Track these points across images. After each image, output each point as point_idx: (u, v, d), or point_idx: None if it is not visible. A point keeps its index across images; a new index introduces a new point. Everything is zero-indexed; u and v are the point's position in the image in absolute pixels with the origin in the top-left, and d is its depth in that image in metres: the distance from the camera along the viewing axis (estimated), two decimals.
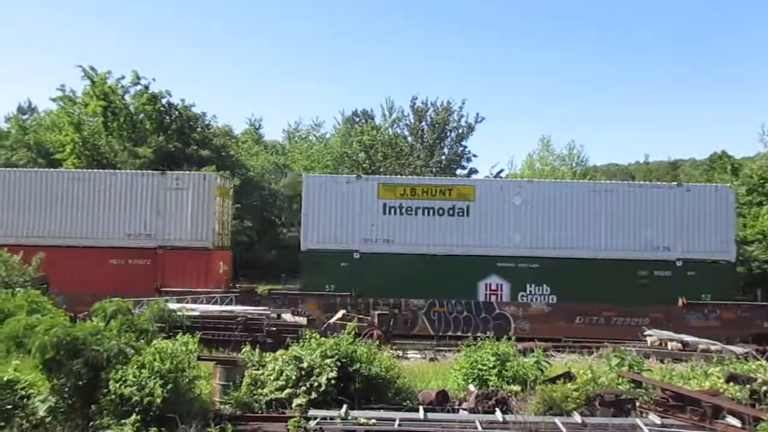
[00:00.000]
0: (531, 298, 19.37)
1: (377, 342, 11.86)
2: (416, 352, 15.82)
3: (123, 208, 19.59)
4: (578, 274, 19.16)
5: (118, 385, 8.09)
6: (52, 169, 23.60)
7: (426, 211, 19.47)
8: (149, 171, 21.71)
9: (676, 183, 21.49)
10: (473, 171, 39.28)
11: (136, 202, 19.59)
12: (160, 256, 19.31)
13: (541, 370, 10.80)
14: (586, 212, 19.57)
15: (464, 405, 9.51)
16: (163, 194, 19.57)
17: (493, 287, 19.35)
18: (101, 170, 23.27)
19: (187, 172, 23.11)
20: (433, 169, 36.55)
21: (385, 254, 19.19)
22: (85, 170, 23.17)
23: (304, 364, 9.57)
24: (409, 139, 39.76)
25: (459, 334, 18.21)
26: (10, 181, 20.02)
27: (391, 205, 19.44)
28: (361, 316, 16.20)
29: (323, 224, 19.33)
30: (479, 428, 8.34)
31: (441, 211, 19.47)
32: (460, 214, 19.46)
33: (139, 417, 7.77)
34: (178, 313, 14.10)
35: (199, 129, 37.94)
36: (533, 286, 19.41)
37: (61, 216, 19.65)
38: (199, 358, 9.82)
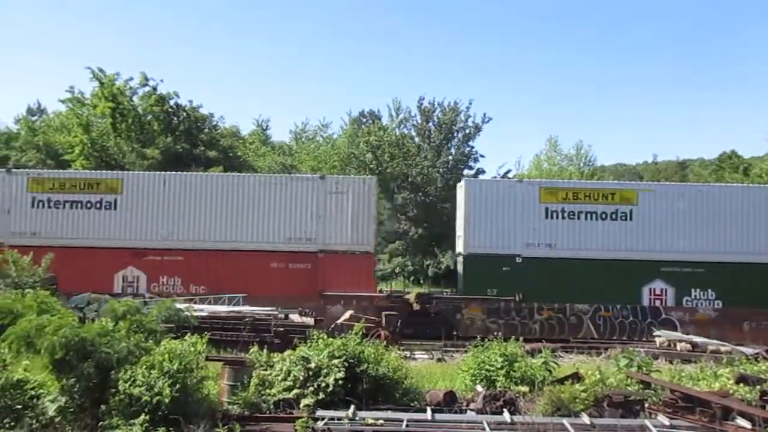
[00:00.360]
0: (696, 303, 19.16)
1: (385, 342, 11.87)
2: (424, 352, 15.81)
3: (284, 212, 19.46)
4: (745, 279, 18.91)
5: (127, 385, 8.13)
6: (213, 173, 23.36)
7: (588, 215, 19.35)
8: (310, 175, 21.55)
9: None
10: (480, 171, 39.18)
11: (296, 207, 19.46)
12: (321, 260, 19.18)
13: (549, 371, 10.77)
14: (751, 216, 19.34)
15: (472, 406, 9.49)
16: (324, 198, 19.42)
17: (657, 292, 19.18)
18: (264, 174, 23.71)
19: (347, 176, 23.04)
20: (440, 170, 36.49)
21: (548, 258, 19.12)
22: (246, 174, 23.14)
23: (312, 365, 9.58)
24: (416, 139, 39.70)
25: (624, 339, 18.09)
26: (174, 185, 19.74)
27: (553, 209, 19.38)
28: (368, 317, 16.20)
29: (485, 228, 19.32)
30: (487, 429, 8.32)
31: (604, 215, 19.33)
32: (623, 218, 19.33)
33: (147, 417, 7.80)
34: (186, 313, 14.22)
35: (206, 130, 38.10)
36: (698, 290, 19.21)
37: (224, 220, 19.47)
38: (207, 359, 9.85)
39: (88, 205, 19.52)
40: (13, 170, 20.50)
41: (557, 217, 19.30)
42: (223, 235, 19.40)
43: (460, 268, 20.40)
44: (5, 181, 19.62)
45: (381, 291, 21.20)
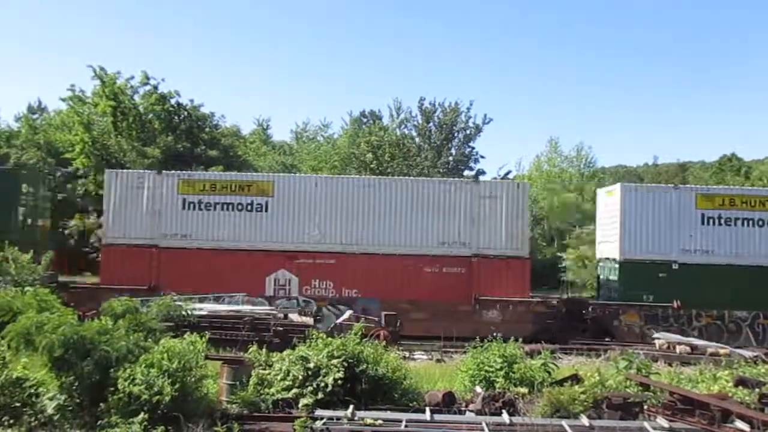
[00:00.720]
0: None
1: (384, 342, 11.86)
2: (423, 353, 15.80)
3: (437, 215, 19.24)
4: None
5: (126, 383, 8.13)
6: (368, 177, 23.06)
7: (746, 221, 19.23)
8: (461, 179, 21.34)
9: None
10: (481, 172, 39.19)
11: (449, 210, 19.25)
12: (475, 265, 18.98)
13: (549, 372, 10.75)
14: None
15: (471, 407, 9.49)
16: (477, 202, 19.20)
17: None
18: (417, 178, 23.71)
19: (501, 180, 22.67)
20: (441, 170, 36.49)
21: (705, 265, 18.99)
22: (400, 178, 22.98)
23: (311, 364, 9.58)
24: (417, 139, 39.71)
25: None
26: (325, 187, 19.54)
27: (710, 216, 19.26)
28: (368, 317, 16.19)
29: (641, 234, 19.24)
30: (486, 430, 8.32)
31: (761, 222, 19.20)
32: None
33: (146, 416, 7.80)
34: (184, 312, 14.24)
35: (207, 129, 38.11)
36: None
37: (376, 224, 19.28)
38: (206, 358, 9.84)
39: (239, 207, 19.27)
40: (164, 172, 20.20)
41: (714, 224, 19.24)
42: (375, 238, 19.18)
43: (605, 274, 20.42)
44: (156, 183, 19.32)
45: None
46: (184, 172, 21.50)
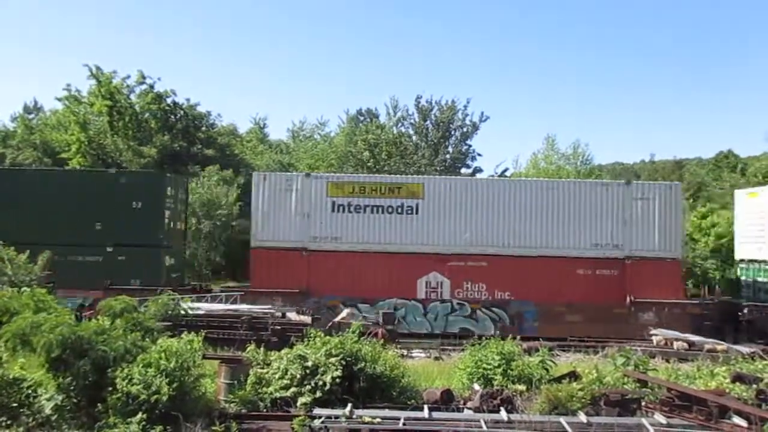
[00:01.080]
0: None
1: (382, 341, 11.86)
2: (421, 351, 15.80)
3: (590, 217, 19.10)
4: None
5: (124, 383, 8.12)
6: (521, 179, 22.64)
7: None
8: (615, 181, 21.25)
9: None
10: (478, 170, 39.19)
11: (602, 212, 19.12)
12: (629, 267, 18.83)
13: (546, 370, 10.77)
14: None
15: (469, 404, 9.50)
16: (629, 204, 19.08)
17: None
18: (568, 180, 23.57)
19: (653, 182, 22.80)
20: (438, 168, 36.47)
21: None
22: (550, 180, 22.88)
23: (309, 363, 9.58)
24: (414, 137, 39.67)
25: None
26: (476, 190, 19.37)
27: None
28: (365, 315, 16.19)
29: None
30: (484, 427, 8.33)
31: None
32: None
33: (145, 416, 7.79)
34: (182, 312, 14.22)
35: (204, 128, 38.02)
36: None
37: (527, 225, 19.09)
38: (204, 357, 9.83)
39: (389, 209, 19.12)
40: (313, 174, 20.17)
41: None
42: (527, 240, 19.03)
43: (749, 275, 20.44)
44: (304, 185, 19.22)
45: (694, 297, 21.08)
46: (333, 174, 21.80)
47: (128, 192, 19.53)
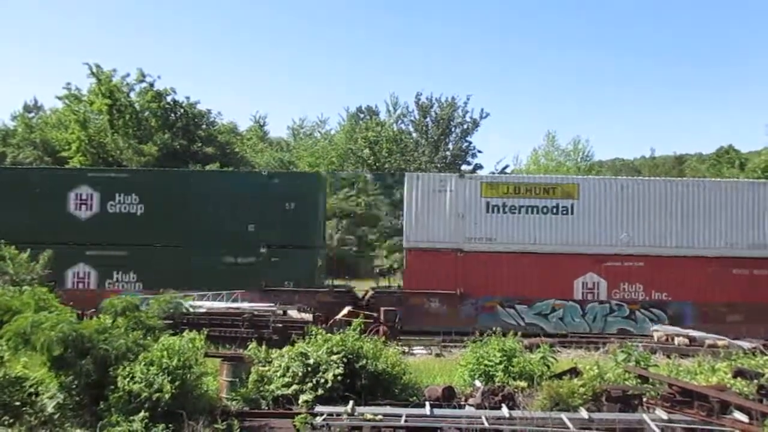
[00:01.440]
0: None
1: (383, 338, 11.87)
2: (422, 348, 15.82)
3: (746, 218, 18.97)
4: None
5: (126, 381, 8.13)
6: (676, 179, 22.13)
7: None
8: None
9: None
10: (478, 167, 39.25)
11: (759, 213, 18.99)
12: None
13: (548, 366, 10.78)
14: None
15: (470, 401, 9.50)
16: None
17: None
18: (724, 179, 23.33)
19: None
20: (438, 165, 36.50)
21: None
22: (707, 180, 22.73)
23: (311, 361, 9.59)
24: (414, 135, 39.72)
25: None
26: (631, 190, 19.16)
27: None
28: (367, 313, 16.19)
29: None
30: (486, 424, 8.34)
31: None
32: None
33: (147, 414, 7.80)
34: (184, 310, 14.23)
35: (204, 126, 38.04)
36: None
37: (683, 225, 18.95)
38: (205, 355, 9.84)
39: (544, 210, 19.01)
40: (467, 175, 20.15)
41: None
42: (683, 240, 18.92)
43: None
44: (458, 186, 19.13)
45: None
46: (486, 175, 21.08)
47: (281, 192, 19.36)
